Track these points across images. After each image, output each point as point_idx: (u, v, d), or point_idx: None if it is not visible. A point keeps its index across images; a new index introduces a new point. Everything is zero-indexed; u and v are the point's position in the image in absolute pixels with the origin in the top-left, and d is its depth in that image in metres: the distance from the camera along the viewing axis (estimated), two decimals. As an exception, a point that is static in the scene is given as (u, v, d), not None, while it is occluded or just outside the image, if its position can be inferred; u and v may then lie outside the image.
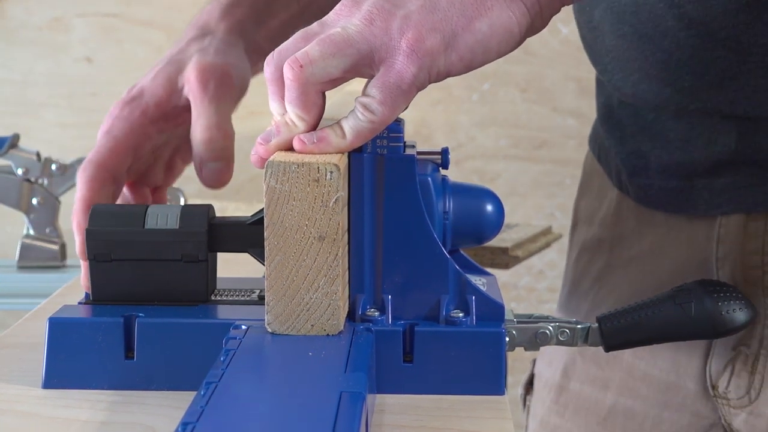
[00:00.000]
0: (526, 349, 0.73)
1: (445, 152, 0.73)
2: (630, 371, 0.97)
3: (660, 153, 0.92)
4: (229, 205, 1.65)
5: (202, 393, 0.56)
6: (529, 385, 1.09)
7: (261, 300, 0.72)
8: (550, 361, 1.05)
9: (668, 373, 0.95)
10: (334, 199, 0.65)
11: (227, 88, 0.85)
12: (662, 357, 0.95)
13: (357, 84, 1.72)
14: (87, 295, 0.73)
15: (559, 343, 0.74)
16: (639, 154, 0.94)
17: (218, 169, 0.83)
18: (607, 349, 0.75)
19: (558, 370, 1.03)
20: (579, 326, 0.74)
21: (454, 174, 0.75)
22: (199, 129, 0.83)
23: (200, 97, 0.83)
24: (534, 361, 1.09)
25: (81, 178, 0.81)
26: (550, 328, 0.73)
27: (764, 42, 0.83)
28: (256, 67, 0.91)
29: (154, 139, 0.86)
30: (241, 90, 0.88)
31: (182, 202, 1.52)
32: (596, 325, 0.75)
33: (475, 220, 0.73)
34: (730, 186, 0.89)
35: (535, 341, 0.73)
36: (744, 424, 0.91)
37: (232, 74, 0.86)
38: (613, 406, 0.98)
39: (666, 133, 0.92)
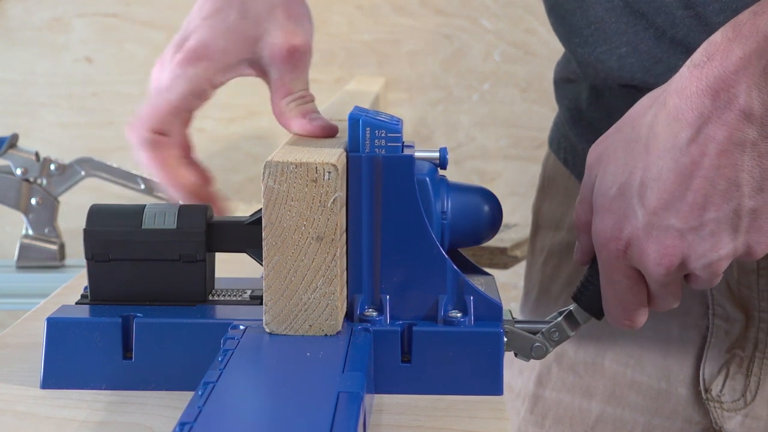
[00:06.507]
0: (516, 355, 0.73)
1: (443, 152, 0.72)
2: (615, 379, 0.96)
3: None
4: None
5: (199, 393, 0.56)
6: None
7: (258, 300, 0.72)
8: (521, 370, 1.03)
9: (658, 380, 0.94)
10: (332, 200, 0.64)
11: (307, 61, 0.81)
12: (650, 364, 0.94)
13: (357, 84, 1.71)
14: (84, 294, 0.74)
15: (556, 344, 0.74)
16: None
17: (319, 118, 0.78)
18: (600, 316, 0.75)
19: (531, 380, 1.02)
20: (561, 318, 0.74)
21: (453, 174, 0.75)
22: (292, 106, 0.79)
23: (289, 77, 0.79)
24: None
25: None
26: (540, 338, 0.73)
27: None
28: None
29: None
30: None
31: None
32: (574, 305, 0.75)
33: (473, 220, 0.73)
34: None
35: (530, 355, 0.73)
36: (740, 427, 0.91)
37: (310, 49, 0.81)
38: (600, 415, 0.97)
39: None
